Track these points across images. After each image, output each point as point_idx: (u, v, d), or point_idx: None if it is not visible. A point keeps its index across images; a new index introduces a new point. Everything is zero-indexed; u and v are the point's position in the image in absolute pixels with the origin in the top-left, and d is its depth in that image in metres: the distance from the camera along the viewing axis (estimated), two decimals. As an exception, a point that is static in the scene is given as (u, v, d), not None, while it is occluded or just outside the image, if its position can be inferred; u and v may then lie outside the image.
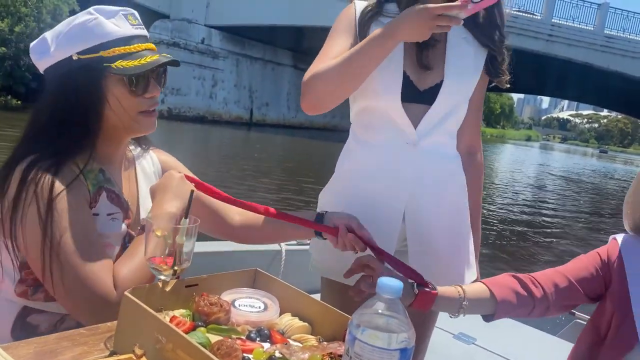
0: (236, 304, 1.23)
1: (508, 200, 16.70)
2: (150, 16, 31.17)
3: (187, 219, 1.18)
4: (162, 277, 1.17)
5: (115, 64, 1.37)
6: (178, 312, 1.16)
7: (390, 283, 0.92)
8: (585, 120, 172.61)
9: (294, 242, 2.95)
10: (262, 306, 1.25)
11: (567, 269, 1.61)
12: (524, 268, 8.03)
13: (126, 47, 1.40)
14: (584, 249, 1.66)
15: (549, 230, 13.30)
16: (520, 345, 2.48)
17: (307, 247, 2.79)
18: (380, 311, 0.92)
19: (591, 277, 1.57)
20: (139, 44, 1.42)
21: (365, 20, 1.72)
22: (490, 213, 13.82)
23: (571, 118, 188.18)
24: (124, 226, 1.46)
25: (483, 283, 1.54)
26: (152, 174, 1.64)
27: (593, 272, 1.58)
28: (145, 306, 1.06)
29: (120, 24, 1.41)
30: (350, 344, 0.91)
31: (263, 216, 1.60)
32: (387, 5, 1.74)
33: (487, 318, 1.56)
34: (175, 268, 1.17)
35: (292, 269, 2.80)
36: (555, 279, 1.58)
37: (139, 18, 1.47)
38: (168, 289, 1.17)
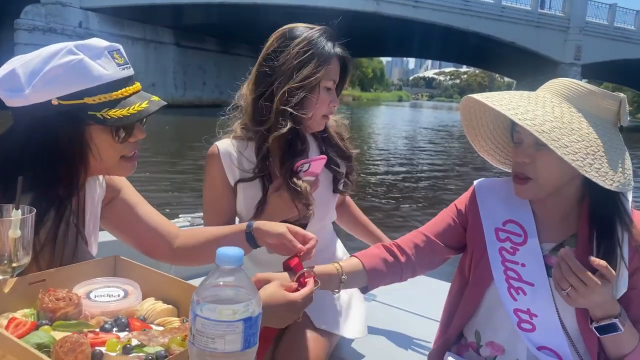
0: (92, 295, 1.09)
1: (386, 159, 17.15)
2: (19, 1, 28.58)
3: (19, 210, 1.01)
4: (-1, 277, 1.00)
5: (102, 112, 1.19)
6: (21, 313, 1.01)
7: (228, 252, 0.82)
8: (448, 77, 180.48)
9: (187, 223, 2.64)
10: (122, 294, 1.12)
11: (426, 227, 1.61)
12: (407, 224, 8.21)
13: (113, 93, 1.22)
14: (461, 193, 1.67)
15: (427, 182, 13.77)
16: (419, 296, 2.43)
17: (199, 227, 2.61)
18: (221, 283, 0.82)
19: (449, 227, 1.57)
20: (127, 88, 1.25)
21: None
22: (371, 174, 14.08)
23: (435, 76, 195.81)
24: None
25: (355, 257, 1.52)
26: (96, 195, 1.46)
27: (451, 222, 1.58)
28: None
29: (106, 65, 1.21)
30: (193, 322, 0.82)
31: (202, 238, 1.56)
32: (242, 145, 1.80)
33: (363, 290, 1.55)
34: (14, 265, 1.01)
35: None
36: (415, 240, 1.57)
37: (124, 54, 1.28)
38: (7, 289, 1.01)
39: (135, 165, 1.34)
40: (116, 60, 1.24)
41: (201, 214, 2.64)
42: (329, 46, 1.73)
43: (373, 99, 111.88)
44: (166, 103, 1.32)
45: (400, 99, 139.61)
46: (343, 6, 32.97)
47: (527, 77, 41.31)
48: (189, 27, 36.85)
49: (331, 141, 1.89)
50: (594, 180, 1.23)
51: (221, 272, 0.82)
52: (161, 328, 1.07)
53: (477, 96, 1.37)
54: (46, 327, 0.98)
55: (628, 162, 1.31)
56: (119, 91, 1.23)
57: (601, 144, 1.27)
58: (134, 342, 0.97)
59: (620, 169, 1.28)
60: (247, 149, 1.78)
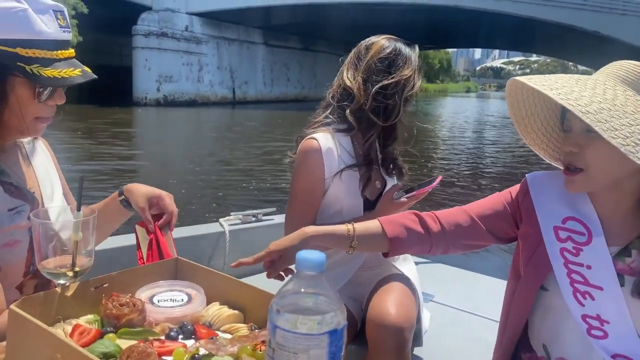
0: (155, 300, 0.97)
1: (452, 148, 16.44)
2: (132, 9, 29.92)
3: (81, 212, 0.89)
4: (61, 282, 0.89)
5: (32, 67, 1.07)
6: (84, 319, 0.90)
7: (310, 257, 0.68)
8: (518, 67, 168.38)
9: (238, 220, 2.50)
10: (186, 298, 0.98)
11: (472, 207, 1.36)
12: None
13: (48, 51, 1.09)
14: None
15: (491, 170, 12.99)
16: (478, 295, 2.19)
17: (250, 225, 2.50)
18: (302, 290, 0.68)
19: (497, 214, 1.32)
20: (62, 51, 1.12)
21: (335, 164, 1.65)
22: (439, 161, 13.53)
23: (504, 66, 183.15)
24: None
25: (379, 221, 1.33)
26: (47, 162, 1.34)
27: (501, 209, 1.33)
28: (33, 319, 0.80)
29: (49, 23, 1.09)
30: (272, 334, 0.68)
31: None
32: (342, 139, 1.68)
33: (384, 255, 1.36)
34: (77, 269, 0.89)
35: (239, 251, 2.25)
36: (457, 217, 1.34)
37: (67, 18, 1.15)
38: (69, 293, 0.90)
39: (45, 129, 1.20)
40: (59, 21, 1.11)
41: (252, 211, 2.53)
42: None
43: (440, 91, 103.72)
44: (96, 77, 1.17)
45: (468, 90, 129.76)
46: (424, 1, 32.02)
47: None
48: (276, 27, 37.28)
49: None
50: None
51: (302, 279, 0.68)
52: (229, 335, 0.93)
53: (521, 78, 1.13)
54: (111, 335, 0.86)
55: None
56: (55, 52, 1.10)
57: None
58: (202, 351, 0.85)
59: None
60: (347, 142, 1.69)
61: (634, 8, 33.98)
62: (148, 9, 30.88)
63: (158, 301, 0.96)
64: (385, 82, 1.62)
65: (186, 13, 32.08)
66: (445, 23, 38.20)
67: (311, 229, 1.26)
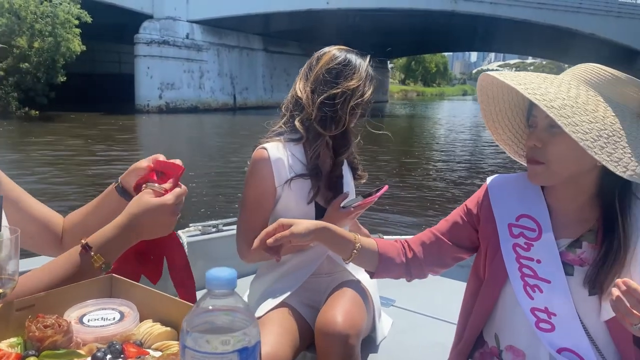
0: (85, 319, 0.93)
1: (446, 152, 16.46)
2: (134, 17, 29.98)
3: (2, 232, 0.86)
4: (-18, 304, 0.86)
5: None
6: (7, 343, 0.86)
7: (219, 274, 0.65)
8: (514, 69, 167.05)
9: (198, 232, 2.40)
10: (118, 316, 0.95)
11: (437, 225, 1.43)
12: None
13: None
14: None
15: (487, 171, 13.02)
16: (438, 298, 2.16)
17: (211, 235, 2.41)
18: (213, 308, 0.66)
19: (457, 226, 1.38)
20: None
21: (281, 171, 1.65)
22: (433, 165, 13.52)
23: (500, 69, 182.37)
24: None
25: (373, 239, 1.41)
26: None
27: (459, 221, 1.39)
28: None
29: None
30: (182, 354, 0.65)
31: (82, 214, 1.31)
32: (294, 148, 1.67)
33: (371, 274, 1.41)
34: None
35: (199, 263, 2.12)
36: (423, 238, 1.41)
37: None
38: (-8, 316, 0.86)
39: None
40: None
41: (212, 222, 2.43)
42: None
43: (437, 94, 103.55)
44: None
45: (465, 93, 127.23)
46: (421, 6, 32.04)
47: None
48: (275, 33, 37.29)
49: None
50: (603, 163, 1.05)
51: (212, 297, 0.66)
52: (159, 353, 0.90)
53: (492, 73, 1.18)
54: (32, 358, 0.83)
55: None
56: None
57: (618, 130, 1.08)
58: (127, 372, 0.81)
59: (638, 160, 1.07)
60: (298, 151, 1.67)
61: (630, 10, 33.98)
62: (149, 17, 30.93)
63: (88, 320, 0.92)
64: (331, 91, 1.61)
65: (187, 21, 32.11)
66: (442, 27, 38.19)
67: (328, 225, 1.32)
